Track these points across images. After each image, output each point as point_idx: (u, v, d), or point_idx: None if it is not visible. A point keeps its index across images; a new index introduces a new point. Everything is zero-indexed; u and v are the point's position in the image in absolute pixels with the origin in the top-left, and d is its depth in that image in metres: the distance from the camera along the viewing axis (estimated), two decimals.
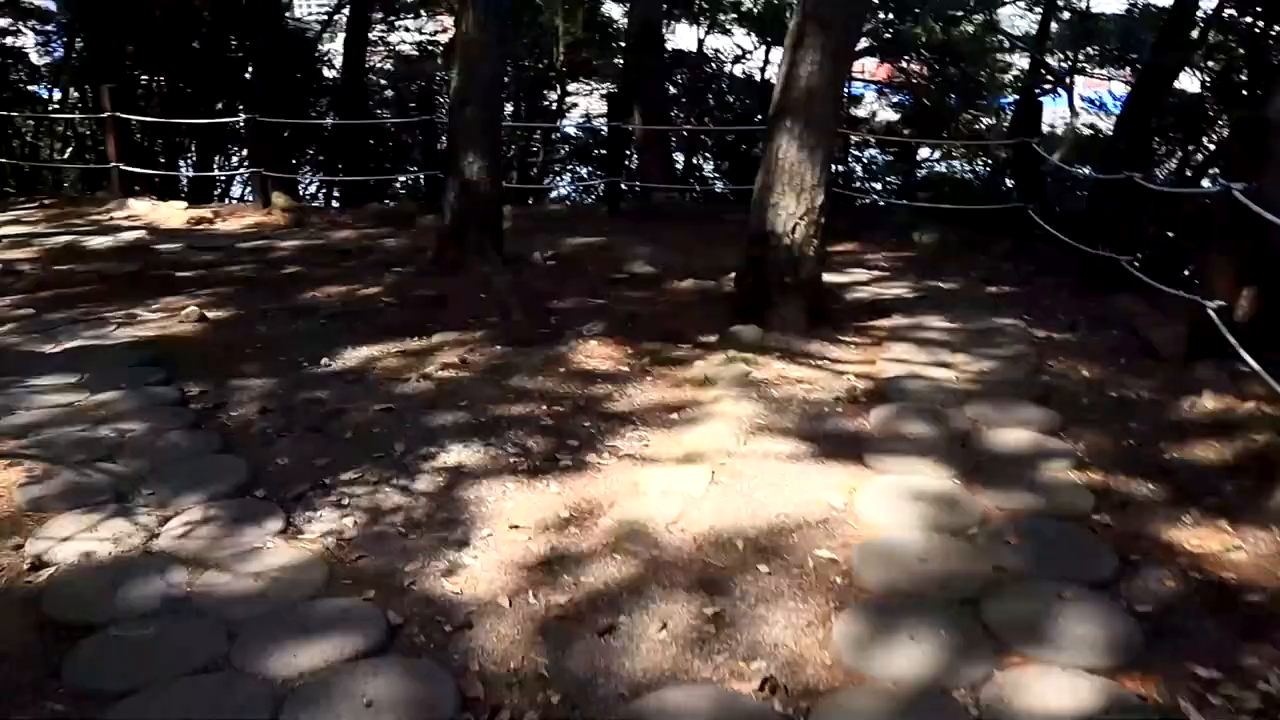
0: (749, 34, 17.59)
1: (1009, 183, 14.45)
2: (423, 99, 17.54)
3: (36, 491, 4.04)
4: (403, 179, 17.40)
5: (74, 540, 3.62)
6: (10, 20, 18.87)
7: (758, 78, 17.19)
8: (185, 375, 5.64)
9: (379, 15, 18.08)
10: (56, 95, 19.82)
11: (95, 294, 7.97)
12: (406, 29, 18.91)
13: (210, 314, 7.06)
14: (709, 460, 4.14)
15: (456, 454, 4.37)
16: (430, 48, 18.45)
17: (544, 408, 4.91)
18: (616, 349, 5.82)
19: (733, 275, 6.97)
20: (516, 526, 3.71)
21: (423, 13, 18.64)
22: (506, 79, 16.20)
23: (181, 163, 18.50)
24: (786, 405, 4.84)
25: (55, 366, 5.83)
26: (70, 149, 18.54)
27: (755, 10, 17.27)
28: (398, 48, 18.89)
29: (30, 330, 6.82)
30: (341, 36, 18.06)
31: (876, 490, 3.91)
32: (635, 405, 4.95)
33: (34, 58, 19.64)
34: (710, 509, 3.75)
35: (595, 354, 5.75)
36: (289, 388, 5.41)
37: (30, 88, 20.08)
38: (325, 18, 18.91)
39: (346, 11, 17.88)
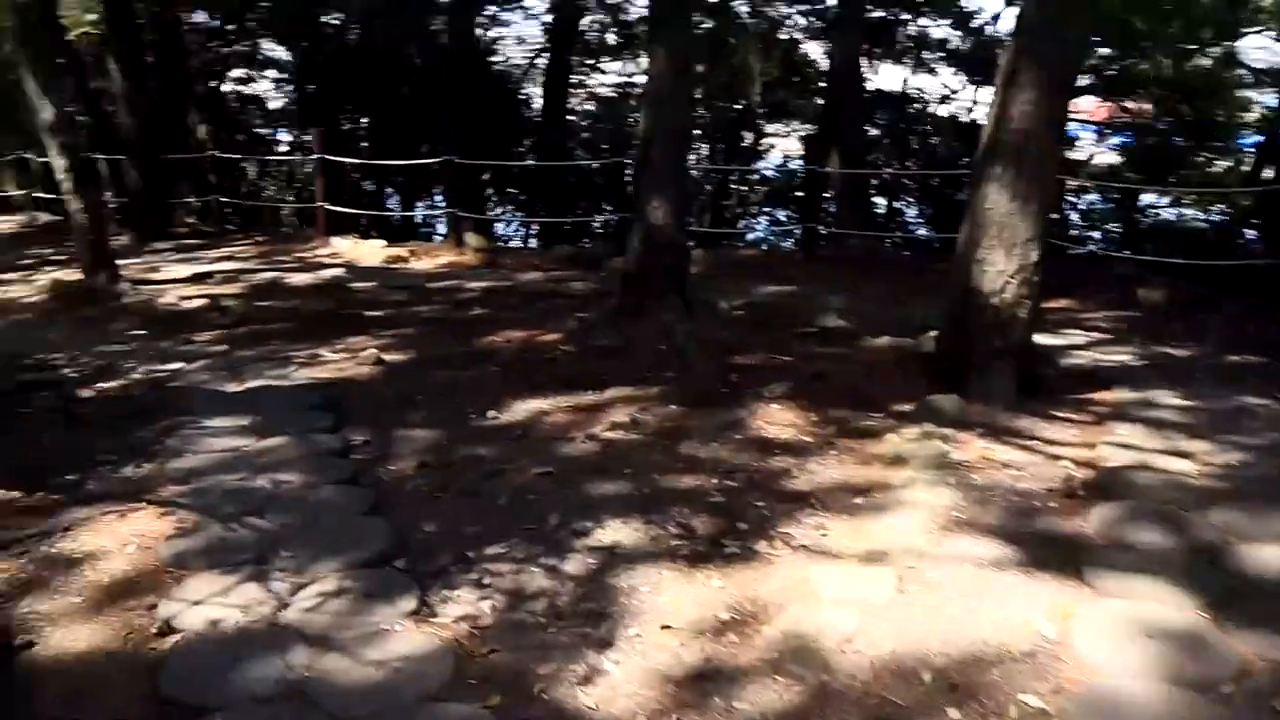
0: (956, 73, 16.76)
1: (1249, 233, 13.08)
2: (617, 141, 17.53)
3: (181, 546, 3.92)
4: (598, 221, 17.43)
5: (205, 605, 3.45)
6: (248, 70, 20.24)
7: (964, 119, 16.33)
8: (352, 422, 5.55)
9: (579, 59, 18.27)
10: (285, 137, 21.10)
11: (287, 331, 8.11)
12: (603, 71, 19.04)
13: (388, 357, 7.01)
14: (895, 561, 3.59)
15: (613, 531, 3.99)
16: (627, 89, 18.49)
17: (714, 481, 4.48)
18: (800, 415, 5.32)
19: (933, 334, 6.37)
20: (669, 627, 3.28)
21: (623, 55, 18.72)
22: (702, 120, 16.01)
23: (387, 202, 19.22)
24: (990, 495, 4.20)
25: (233, 407, 5.85)
26: (289, 189, 19.56)
27: (963, 48, 16.43)
28: (596, 90, 19.05)
29: (220, 367, 6.95)
30: (543, 79, 18.35)
31: (1098, 618, 3.24)
32: (816, 484, 4.44)
33: (272, 104, 21.09)
34: (893, 626, 3.20)
35: (776, 419, 5.28)
36: (452, 441, 5.21)
37: (263, 131, 21.49)
38: (527, 62, 19.27)
39: (547, 56, 18.16)
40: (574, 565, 3.73)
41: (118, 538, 4.02)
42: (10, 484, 4.58)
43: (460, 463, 4.89)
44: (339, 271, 11.00)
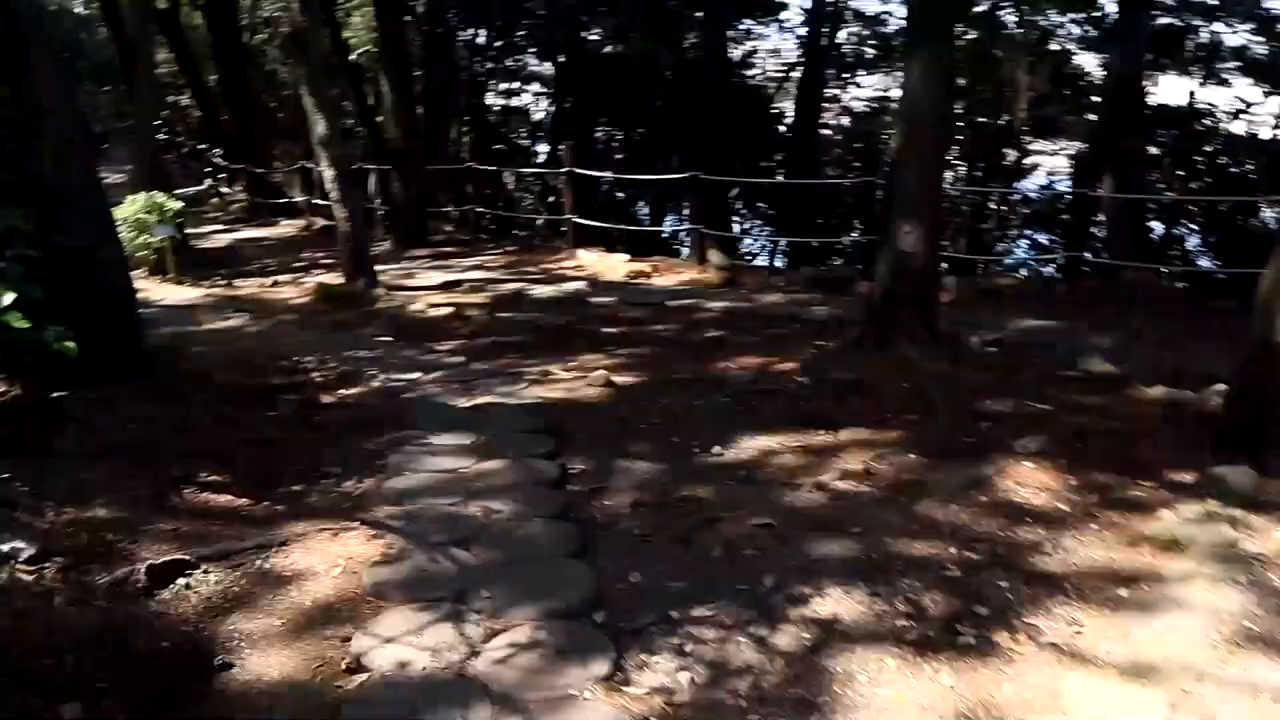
0: (1254, 84, 15.05)
1: None
2: (869, 158, 16.91)
3: (385, 574, 3.85)
4: (846, 241, 16.85)
5: (397, 643, 3.33)
6: (511, 84, 21.04)
7: (1264, 136, 14.66)
8: (573, 448, 5.42)
9: (833, 72, 17.78)
10: (544, 149, 21.81)
11: (523, 345, 8.15)
12: (858, 85, 18.47)
13: (618, 378, 6.87)
14: (1168, 680, 2.98)
15: (833, 602, 3.59)
16: (883, 104, 17.84)
17: (952, 550, 3.99)
18: (1056, 477, 4.72)
19: (1220, 388, 5.56)
20: None
21: (880, 68, 18.08)
22: (960, 137, 15.18)
23: (637, 214, 19.40)
24: None
25: (459, 423, 5.85)
26: (542, 200, 20.14)
27: (1263, 56, 14.72)
28: (850, 105, 18.51)
29: (454, 380, 7.02)
30: (795, 93, 18.00)
31: None
32: (1071, 565, 3.86)
33: (536, 116, 21.91)
34: None
35: (1028, 480, 4.69)
36: (672, 478, 4.97)
37: (524, 143, 22.29)
38: (781, 75, 18.97)
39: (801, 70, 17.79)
40: (786, 639, 3.37)
41: (327, 558, 4.01)
42: (241, 490, 4.71)
43: (677, 504, 4.62)
44: (581, 285, 11.07)
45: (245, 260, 14.21)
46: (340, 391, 6.78)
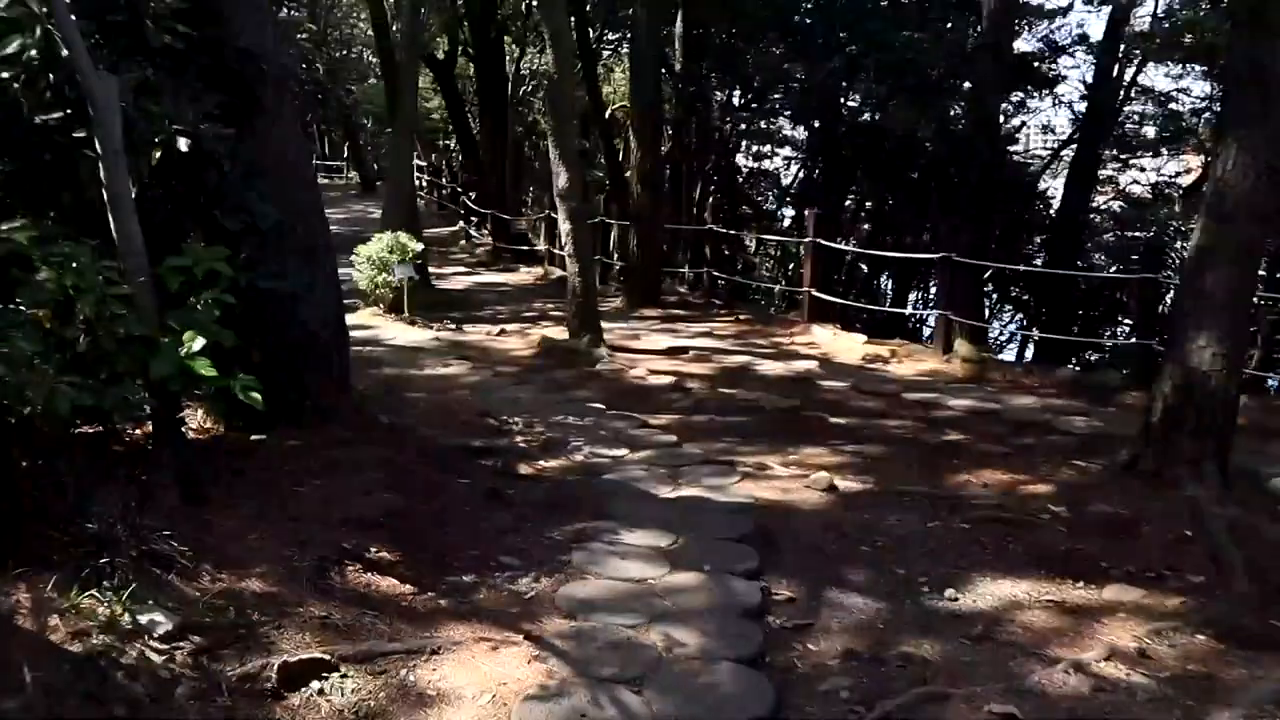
0: None
1: None
2: (1148, 250, 15.23)
3: (536, 714, 3.25)
4: (1111, 341, 15.22)
5: None
6: (761, 146, 20.65)
7: None
8: (780, 567, 4.75)
9: (1111, 152, 16.29)
10: (791, 213, 21.26)
11: (741, 428, 7.53)
12: (1141, 168, 16.81)
13: (841, 482, 6.11)
14: None
15: None
16: (1167, 190, 16.15)
17: None
18: None
19: None
20: None
21: (1164, 150, 16.42)
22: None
23: (880, 288, 18.44)
24: None
25: (657, 519, 5.26)
26: (782, 268, 19.51)
27: None
28: (1127, 188, 16.89)
29: (660, 463, 6.46)
30: (1065, 173, 16.62)
31: None
32: None
33: (787, 181, 21.47)
34: None
35: None
36: (892, 623, 4.19)
37: (771, 208, 21.83)
38: (1050, 153, 17.62)
39: (1074, 147, 16.42)
40: None
41: (479, 680, 3.46)
42: (408, 573, 4.27)
43: (896, 662, 3.83)
44: (812, 365, 10.33)
45: (479, 305, 14.31)
46: (540, 463, 6.36)
